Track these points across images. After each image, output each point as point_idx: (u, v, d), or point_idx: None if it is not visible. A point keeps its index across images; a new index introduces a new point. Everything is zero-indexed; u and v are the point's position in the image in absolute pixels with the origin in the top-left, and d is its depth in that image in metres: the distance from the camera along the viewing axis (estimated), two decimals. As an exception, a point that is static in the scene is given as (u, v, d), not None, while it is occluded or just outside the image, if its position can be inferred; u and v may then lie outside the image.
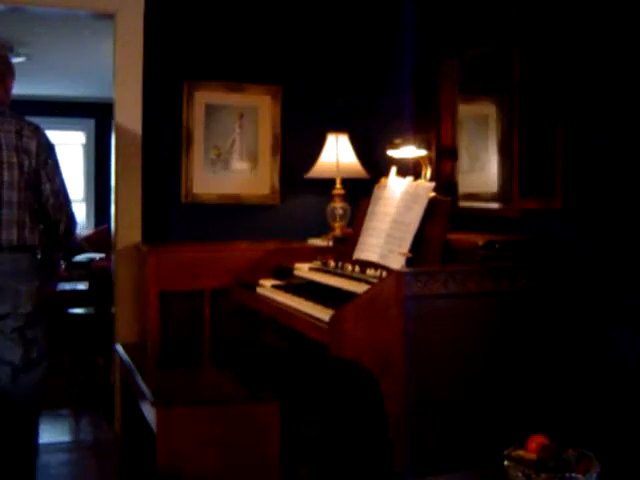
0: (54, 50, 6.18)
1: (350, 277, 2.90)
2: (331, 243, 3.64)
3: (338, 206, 3.81)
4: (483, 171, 3.17)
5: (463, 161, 3.28)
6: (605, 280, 2.52)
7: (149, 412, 2.61)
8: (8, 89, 3.13)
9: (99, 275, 5.47)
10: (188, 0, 4.00)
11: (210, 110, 4.04)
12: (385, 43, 4.01)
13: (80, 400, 4.63)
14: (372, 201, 3.14)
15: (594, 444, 2.08)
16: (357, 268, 2.94)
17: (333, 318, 2.37)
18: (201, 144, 4.03)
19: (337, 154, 3.81)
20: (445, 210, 2.75)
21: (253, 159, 4.15)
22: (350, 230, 3.51)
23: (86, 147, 9.00)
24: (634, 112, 2.41)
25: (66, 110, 8.45)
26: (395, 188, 3.01)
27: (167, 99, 3.97)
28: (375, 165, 3.91)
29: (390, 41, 3.94)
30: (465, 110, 3.28)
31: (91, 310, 5.37)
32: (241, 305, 3.40)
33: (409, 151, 3.18)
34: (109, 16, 3.96)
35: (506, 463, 1.93)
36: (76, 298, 5.65)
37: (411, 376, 2.35)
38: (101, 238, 7.73)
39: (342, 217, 3.81)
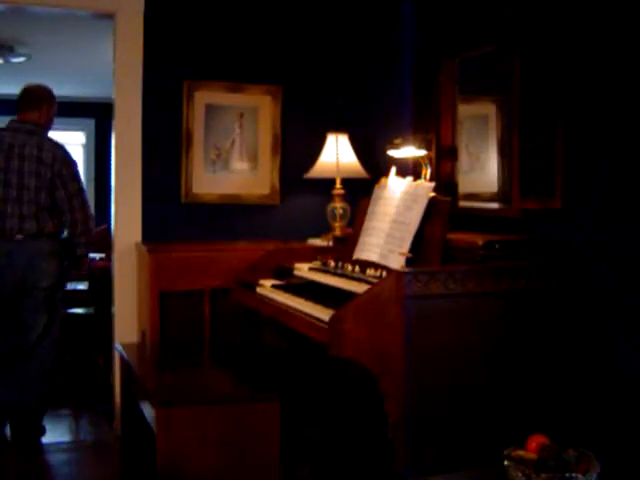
0: (54, 50, 6.18)
1: (350, 277, 2.90)
2: (331, 243, 3.64)
3: (338, 206, 3.81)
4: (483, 171, 3.17)
5: (463, 161, 3.28)
6: (605, 280, 2.52)
7: (149, 412, 2.62)
8: (45, 114, 3.93)
9: (99, 275, 5.46)
10: (188, 0, 4.01)
11: (210, 110, 4.04)
12: (385, 43, 4.01)
13: (80, 400, 4.63)
14: (372, 201, 3.14)
15: (594, 444, 2.09)
16: (357, 268, 2.94)
17: (333, 318, 2.37)
18: (201, 144, 4.03)
19: (337, 154, 3.81)
20: (445, 210, 2.75)
21: (253, 159, 4.15)
22: (350, 230, 3.51)
23: (86, 147, 8.99)
24: (634, 112, 2.41)
25: (66, 110, 8.43)
26: (395, 188, 3.01)
27: (167, 99, 3.97)
28: (375, 165, 3.91)
29: (390, 41, 3.94)
30: (465, 110, 3.28)
31: (91, 310, 5.37)
32: (241, 305, 3.40)
33: (409, 151, 3.18)
34: (109, 16, 3.96)
35: (506, 463, 1.93)
36: (76, 298, 5.65)
37: (411, 376, 2.34)
38: (101, 238, 7.72)
39: (342, 217, 3.81)
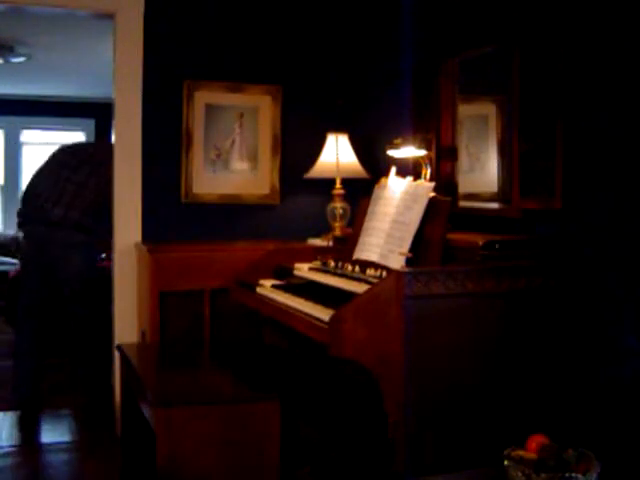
0: (54, 50, 6.18)
1: (350, 277, 2.90)
2: (331, 243, 3.64)
3: (338, 206, 3.81)
4: (483, 171, 3.17)
5: (463, 161, 3.28)
6: (605, 280, 2.52)
7: (149, 412, 2.62)
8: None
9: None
10: (188, 0, 4.01)
11: (210, 110, 4.04)
12: (385, 43, 4.01)
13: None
14: (372, 201, 3.14)
15: (594, 444, 2.08)
16: (357, 268, 2.95)
17: (333, 318, 2.37)
18: (201, 144, 4.03)
19: (337, 154, 3.81)
20: (445, 210, 2.75)
21: (253, 159, 4.15)
22: (350, 230, 3.51)
23: (86, 147, 9.00)
24: (634, 112, 2.41)
25: (66, 110, 8.45)
26: (395, 188, 3.01)
27: (167, 99, 3.97)
28: (375, 165, 3.91)
29: (390, 41, 3.94)
30: (465, 110, 3.28)
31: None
32: (241, 305, 3.40)
33: (409, 151, 3.18)
34: (109, 16, 3.96)
35: (506, 463, 1.93)
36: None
37: (411, 376, 2.34)
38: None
39: (342, 217, 3.81)
